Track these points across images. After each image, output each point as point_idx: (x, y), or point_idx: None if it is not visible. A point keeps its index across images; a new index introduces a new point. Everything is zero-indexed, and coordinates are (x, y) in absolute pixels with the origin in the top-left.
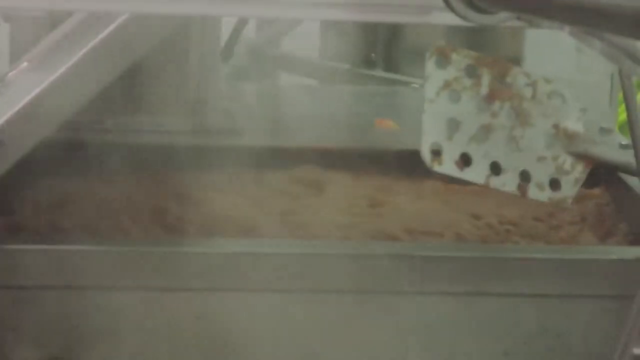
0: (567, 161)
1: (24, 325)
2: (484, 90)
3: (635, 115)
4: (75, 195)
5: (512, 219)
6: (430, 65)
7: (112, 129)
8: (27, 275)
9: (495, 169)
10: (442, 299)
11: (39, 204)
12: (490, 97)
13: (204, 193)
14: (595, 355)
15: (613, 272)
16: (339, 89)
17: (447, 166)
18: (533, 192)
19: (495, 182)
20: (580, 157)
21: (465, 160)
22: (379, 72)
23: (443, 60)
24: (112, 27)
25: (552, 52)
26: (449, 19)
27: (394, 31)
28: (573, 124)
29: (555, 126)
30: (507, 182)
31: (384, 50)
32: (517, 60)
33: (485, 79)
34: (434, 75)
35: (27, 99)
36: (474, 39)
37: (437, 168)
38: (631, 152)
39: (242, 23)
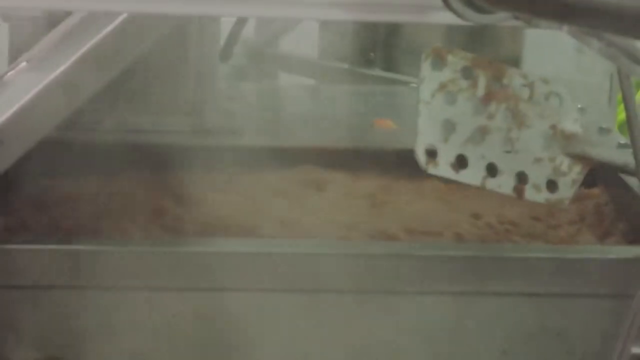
0: (565, 162)
1: (24, 325)
2: (480, 91)
3: (634, 114)
4: (75, 195)
5: (512, 218)
6: (425, 67)
7: (111, 128)
8: (27, 275)
9: (492, 170)
10: (441, 299)
11: (39, 204)
12: (487, 99)
13: (204, 193)
14: (594, 354)
15: (612, 272)
16: (338, 88)
17: (442, 168)
18: (530, 194)
19: (491, 183)
20: (577, 158)
21: (461, 162)
22: (378, 72)
23: (439, 61)
24: (110, 27)
25: (552, 52)
26: (447, 18)
27: (393, 31)
28: (571, 125)
29: (553, 127)
30: (503, 184)
31: (383, 49)
32: (516, 61)
33: (482, 80)
34: (430, 77)
35: (25, 98)
36: (473, 39)
37: (432, 170)
38: (630, 151)
39: (241, 23)
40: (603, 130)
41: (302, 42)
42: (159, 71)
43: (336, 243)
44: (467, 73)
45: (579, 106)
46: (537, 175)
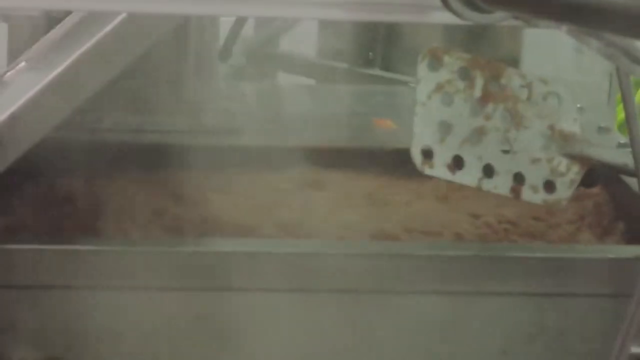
0: (563, 163)
1: (24, 325)
2: (478, 92)
3: (633, 114)
4: (75, 195)
5: (511, 218)
6: (422, 68)
7: (111, 128)
8: (27, 275)
9: (488, 171)
10: (441, 298)
11: (38, 204)
12: (484, 100)
13: (203, 193)
14: (593, 354)
15: (611, 271)
16: (337, 88)
17: (438, 169)
18: (527, 195)
19: (488, 184)
20: (576, 158)
21: (457, 163)
22: (377, 72)
23: (435, 62)
24: (109, 26)
25: (551, 52)
26: (446, 18)
27: (392, 30)
28: (569, 125)
29: (551, 127)
30: (500, 185)
31: (382, 49)
32: (515, 60)
33: (479, 81)
34: (426, 78)
35: (25, 98)
36: (472, 38)
37: (428, 171)
38: (629, 151)
39: (240, 22)
40: (602, 130)
41: (301, 41)
42: (158, 71)
43: (336, 243)
44: (464, 74)
45: (578, 106)
46: (535, 176)
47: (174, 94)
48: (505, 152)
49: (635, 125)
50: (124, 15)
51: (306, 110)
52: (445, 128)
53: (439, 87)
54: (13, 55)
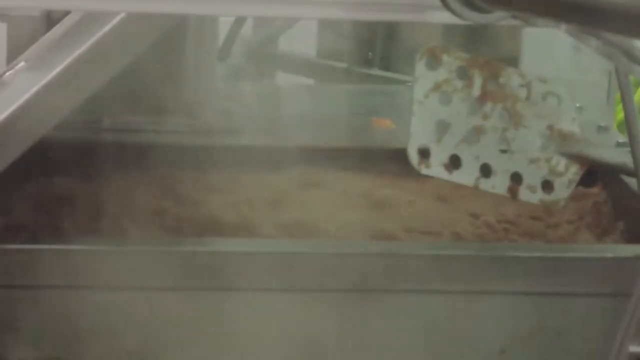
0: (561, 163)
1: (24, 325)
2: (476, 91)
3: (632, 113)
4: (74, 195)
5: (510, 217)
6: (420, 67)
7: (110, 128)
8: (27, 275)
9: (485, 171)
10: (440, 298)
11: (37, 204)
12: (482, 99)
13: (203, 193)
14: (593, 353)
15: (610, 270)
16: (336, 88)
17: (435, 169)
18: (524, 194)
19: (485, 184)
20: (575, 158)
21: (454, 163)
22: (376, 71)
23: (434, 61)
24: (109, 26)
25: (550, 51)
26: (445, 17)
27: (392, 30)
28: (568, 125)
29: (550, 127)
30: (497, 184)
31: (381, 49)
32: (514, 60)
33: (477, 80)
34: (424, 77)
35: (24, 98)
36: (471, 38)
37: (424, 171)
38: (628, 150)
39: (239, 22)
40: (601, 129)
41: (300, 41)
42: (157, 70)
43: (336, 243)
44: (463, 73)
45: (578, 105)
46: (533, 176)
47: (173, 94)
48: (503, 151)
49: (634, 125)
50: (123, 15)
51: (305, 110)
52: (443, 127)
53: (437, 86)
54: (12, 55)
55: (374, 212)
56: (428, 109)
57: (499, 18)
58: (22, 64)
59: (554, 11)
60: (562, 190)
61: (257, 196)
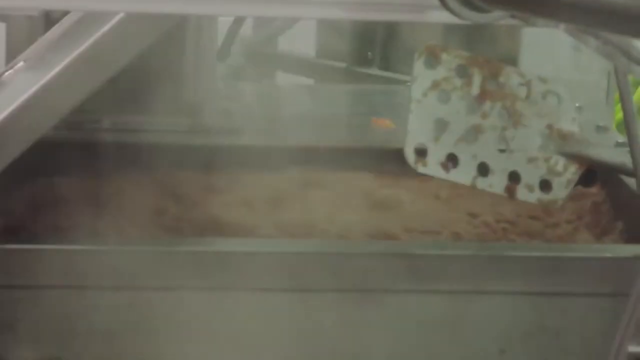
0: (560, 162)
1: (23, 325)
2: (475, 90)
3: (631, 113)
4: (73, 195)
5: (509, 217)
6: (418, 66)
7: (109, 128)
8: (26, 275)
9: (483, 170)
10: (439, 298)
11: (37, 204)
12: (481, 98)
13: (202, 193)
14: (592, 353)
15: (609, 270)
16: (336, 88)
17: (432, 167)
18: (522, 194)
19: (482, 183)
20: (573, 158)
21: (451, 161)
22: (376, 71)
23: (433, 60)
24: (108, 26)
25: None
26: (444, 17)
27: (391, 30)
28: (568, 124)
29: (549, 126)
30: (495, 184)
31: (380, 49)
32: (513, 59)
33: (477, 79)
34: (422, 75)
35: (23, 98)
36: (470, 38)
37: (421, 169)
38: (627, 150)
39: (238, 22)
40: (600, 129)
41: (300, 41)
42: (156, 70)
43: (335, 242)
44: (462, 71)
45: (577, 105)
46: (531, 175)
47: (173, 94)
48: (502, 150)
49: (633, 125)
50: (122, 15)
51: (305, 110)
52: (441, 126)
53: (435, 85)
54: (11, 55)
55: (373, 212)
56: (426, 108)
57: (498, 18)
58: (21, 63)
59: (553, 11)
60: (561, 190)
61: (257, 196)
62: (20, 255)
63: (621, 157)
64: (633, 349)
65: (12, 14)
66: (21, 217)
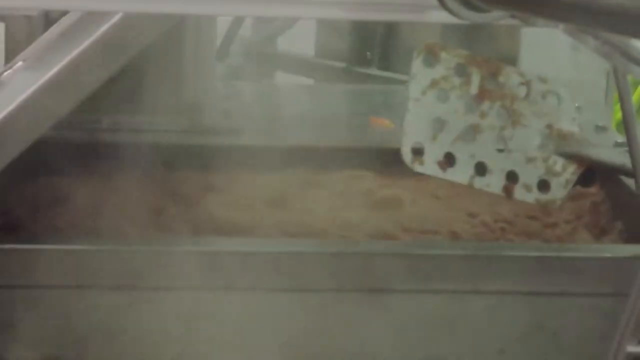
0: (558, 162)
1: (23, 325)
2: (474, 89)
3: (630, 113)
4: (73, 195)
5: (507, 217)
6: (416, 64)
7: (108, 128)
8: (25, 275)
9: (480, 169)
10: (438, 297)
11: (36, 204)
12: (480, 97)
13: (202, 193)
14: (590, 353)
15: (608, 270)
16: (335, 87)
17: (429, 166)
18: (519, 193)
19: (480, 182)
20: (573, 158)
21: (449, 161)
22: (375, 71)
23: (431, 58)
24: (106, 26)
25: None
26: (443, 17)
27: (390, 30)
28: (568, 125)
29: (549, 126)
30: (492, 183)
31: (379, 48)
32: (513, 59)
33: (476, 78)
34: (421, 74)
35: (22, 98)
36: (470, 38)
37: (417, 168)
38: (626, 150)
39: (238, 22)
40: (599, 129)
41: (299, 41)
42: (155, 70)
43: (335, 242)
44: (461, 70)
45: (577, 105)
46: (529, 175)
47: (172, 94)
48: (500, 150)
49: (632, 125)
50: (120, 14)
51: (304, 109)
52: (439, 125)
53: (434, 84)
54: (10, 55)
55: (373, 212)
56: (424, 107)
57: (497, 18)
58: (20, 63)
59: (552, 11)
60: (559, 190)
61: (257, 196)
62: (20, 255)
63: (620, 158)
64: (632, 348)
65: (11, 14)
66: (21, 216)
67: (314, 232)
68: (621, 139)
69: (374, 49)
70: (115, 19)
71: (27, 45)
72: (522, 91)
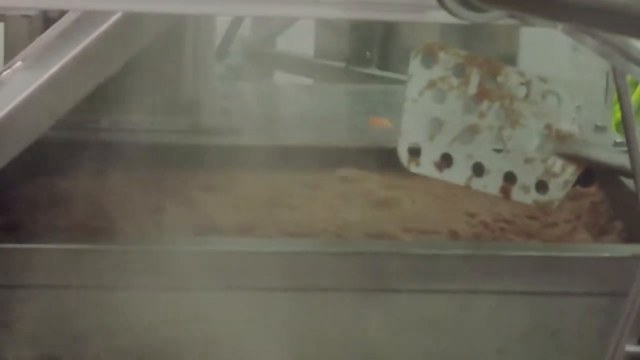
0: (557, 163)
1: (23, 325)
2: (472, 90)
3: (629, 113)
4: (71, 195)
5: (507, 217)
6: (415, 64)
7: (108, 128)
8: (25, 274)
9: (478, 170)
10: (438, 297)
11: (36, 204)
12: (479, 97)
13: (201, 193)
14: (589, 353)
15: (607, 270)
16: (334, 87)
17: (425, 167)
18: (517, 194)
19: (477, 183)
20: (572, 158)
21: (446, 161)
22: (374, 71)
23: (430, 59)
24: (106, 25)
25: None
26: (442, 17)
27: (389, 29)
28: (567, 125)
29: (548, 126)
30: (489, 184)
31: (379, 48)
32: (512, 59)
33: (474, 78)
34: (418, 75)
35: (21, 97)
36: (469, 38)
37: (414, 169)
38: (625, 150)
39: (237, 22)
40: (599, 129)
41: (298, 40)
42: (155, 70)
43: (334, 242)
44: (459, 71)
45: (577, 105)
46: (527, 176)
47: (171, 93)
48: (498, 151)
49: (631, 125)
50: (119, 14)
51: (303, 109)
52: (436, 125)
53: (432, 84)
54: (9, 55)
55: (373, 212)
56: (422, 107)
57: (496, 17)
58: (19, 63)
59: (551, 10)
60: (557, 191)
61: (257, 196)
62: (20, 254)
63: (620, 158)
64: (631, 348)
65: (11, 14)
66: (19, 216)
67: (314, 232)
68: (620, 139)
69: (374, 49)
70: (114, 18)
71: (26, 45)
72: (521, 91)
